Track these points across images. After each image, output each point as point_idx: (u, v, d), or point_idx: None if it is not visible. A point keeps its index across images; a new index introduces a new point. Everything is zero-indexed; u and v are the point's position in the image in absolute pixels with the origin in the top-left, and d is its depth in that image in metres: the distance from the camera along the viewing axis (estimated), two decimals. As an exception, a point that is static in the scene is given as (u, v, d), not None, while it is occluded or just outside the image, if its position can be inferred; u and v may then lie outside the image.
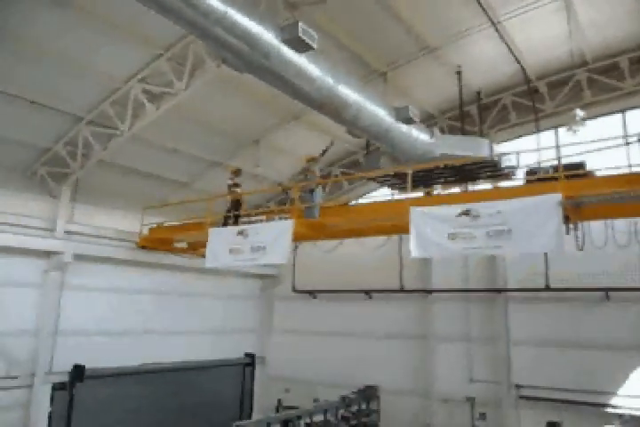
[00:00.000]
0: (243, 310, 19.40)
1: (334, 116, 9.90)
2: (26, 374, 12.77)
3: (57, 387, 13.25)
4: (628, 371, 13.13)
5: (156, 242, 14.95)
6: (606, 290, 13.36)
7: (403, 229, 10.33)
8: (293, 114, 14.83)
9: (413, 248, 9.51)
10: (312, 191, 11.80)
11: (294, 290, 19.16)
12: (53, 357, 13.32)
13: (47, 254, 13.43)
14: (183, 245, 15.74)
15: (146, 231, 14.74)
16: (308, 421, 14.21)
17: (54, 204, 13.94)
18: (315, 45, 7.92)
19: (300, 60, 8.15)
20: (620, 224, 10.73)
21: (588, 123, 11.52)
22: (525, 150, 12.76)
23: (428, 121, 15.71)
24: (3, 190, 12.95)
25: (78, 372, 13.30)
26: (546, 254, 13.67)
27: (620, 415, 12.69)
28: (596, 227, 10.33)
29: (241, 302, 19.36)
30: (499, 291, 15.29)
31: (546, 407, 13.78)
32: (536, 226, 8.46)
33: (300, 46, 7.89)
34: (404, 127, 10.94)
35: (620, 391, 13.08)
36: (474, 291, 15.74)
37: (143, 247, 14.90)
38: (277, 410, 17.47)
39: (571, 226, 9.32)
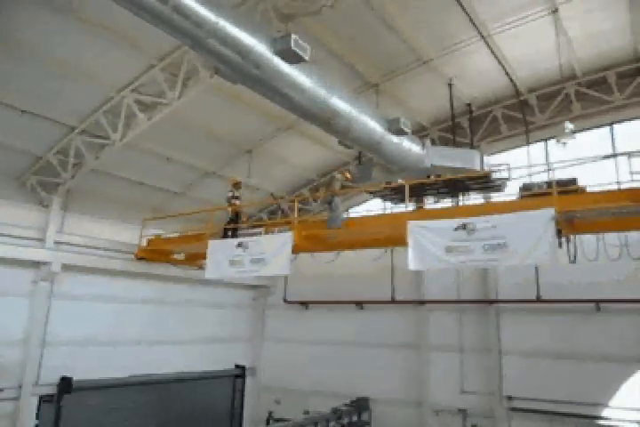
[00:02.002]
0: (234, 320, 19.26)
1: (326, 127, 9.93)
2: (12, 385, 12.56)
3: (44, 399, 13.07)
4: (620, 383, 13.14)
5: (155, 253, 14.99)
6: (597, 301, 13.43)
7: (399, 242, 10.52)
8: (286, 124, 14.88)
9: (411, 261, 9.73)
10: (330, 202, 11.85)
11: (286, 301, 19.09)
12: (41, 368, 13.12)
13: (36, 264, 13.30)
14: (180, 256, 15.75)
15: (144, 242, 14.74)
16: (299, 433, 14.10)
17: (45, 213, 13.83)
18: (307, 57, 7.96)
19: (292, 71, 8.18)
20: (612, 237, 10.87)
21: (578, 136, 11.70)
22: (519, 166, 13.02)
23: (420, 132, 15.85)
24: (-7, 199, 12.87)
25: (66, 384, 13.16)
26: (537, 266, 13.73)
27: (612, 428, 12.69)
28: (587, 240, 10.46)
29: (232, 313, 19.22)
30: (490, 302, 15.31)
31: (538, 419, 13.74)
32: (530, 240, 8.74)
33: (293, 58, 7.93)
34: (395, 138, 10.99)
35: (613, 403, 13.08)
36: (466, 302, 15.77)
37: (141, 258, 14.86)
38: (268, 422, 17.30)
39: (563, 239, 9.46)
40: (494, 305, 15.29)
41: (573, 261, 9.69)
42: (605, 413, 13.06)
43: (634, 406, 12.78)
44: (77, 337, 14.00)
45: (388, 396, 16.40)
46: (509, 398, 14.46)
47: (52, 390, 13.18)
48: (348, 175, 13.05)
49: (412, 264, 9.74)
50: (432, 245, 9.53)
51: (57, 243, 13.90)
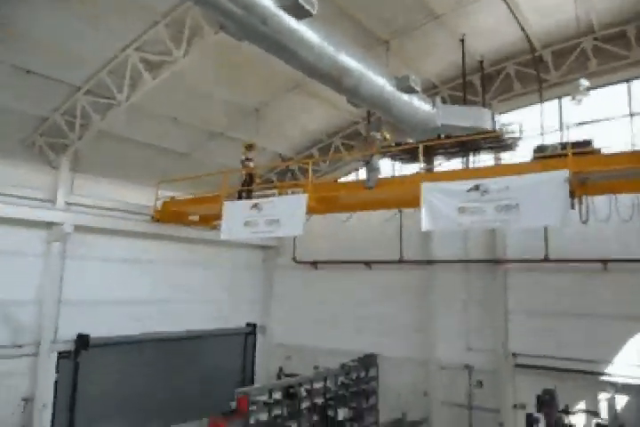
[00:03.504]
0: (245, 280, 19.58)
1: (334, 86, 9.72)
2: (31, 342, 13.00)
3: (62, 355, 13.55)
4: (623, 340, 13.31)
5: (171, 215, 15.19)
6: (604, 261, 13.44)
7: (412, 203, 10.55)
8: (294, 83, 14.59)
9: (424, 222, 9.86)
10: (369, 162, 11.71)
11: (295, 261, 19.33)
12: (58, 326, 13.54)
13: (48, 225, 13.48)
14: (194, 217, 15.95)
15: (159, 205, 14.91)
16: (308, 387, 14.57)
17: (54, 175, 13.89)
18: (314, 11, 7.70)
19: (299, 26, 7.93)
20: (624, 198, 10.75)
21: (593, 93, 11.38)
22: (531, 127, 12.76)
23: (430, 91, 15.48)
24: (2, 160, 12.84)
25: (83, 341, 13.61)
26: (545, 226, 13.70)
27: (614, 384, 12.95)
28: (599, 200, 10.37)
29: (243, 273, 19.52)
30: (498, 262, 15.39)
31: (541, 375, 14.03)
32: (543, 201, 8.75)
33: (300, 12, 7.66)
34: (404, 97, 10.76)
35: (615, 360, 13.30)
36: (473, 262, 15.86)
37: (158, 220, 15.10)
38: (279, 377, 17.86)
39: (575, 200, 9.41)
40: (502, 264, 15.37)
41: (585, 222, 9.66)
42: (608, 369, 13.31)
43: (639, 363, 13.01)
44: (93, 296, 14.34)
45: (396, 353, 16.78)
46: (514, 355, 14.76)
47: (70, 347, 13.64)
48: (388, 135, 12.81)
49: (425, 225, 9.87)
50: (445, 206, 9.63)
51: (68, 204, 14.03)
